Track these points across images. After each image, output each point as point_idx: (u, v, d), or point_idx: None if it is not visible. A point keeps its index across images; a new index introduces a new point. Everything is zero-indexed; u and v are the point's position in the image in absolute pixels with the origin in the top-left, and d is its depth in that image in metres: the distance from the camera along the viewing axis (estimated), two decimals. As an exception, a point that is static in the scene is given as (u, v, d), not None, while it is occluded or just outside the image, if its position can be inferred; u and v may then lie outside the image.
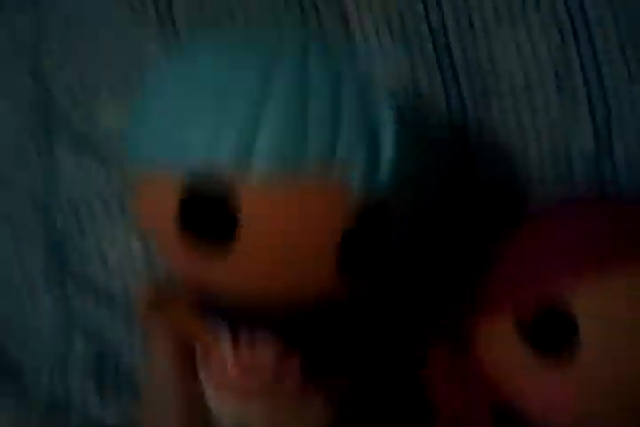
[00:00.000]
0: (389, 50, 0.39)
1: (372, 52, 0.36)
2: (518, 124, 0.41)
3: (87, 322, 0.41)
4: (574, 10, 0.40)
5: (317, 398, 0.31)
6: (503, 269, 0.33)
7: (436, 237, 0.39)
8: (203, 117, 0.26)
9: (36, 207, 0.41)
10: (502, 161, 0.41)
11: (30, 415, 0.39)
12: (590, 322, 0.30)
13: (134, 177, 0.28)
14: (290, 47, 0.27)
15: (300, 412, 0.30)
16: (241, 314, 0.29)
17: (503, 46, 0.40)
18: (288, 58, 0.26)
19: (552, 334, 0.31)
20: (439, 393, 0.34)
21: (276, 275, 0.26)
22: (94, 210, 0.41)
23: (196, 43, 0.30)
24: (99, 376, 0.40)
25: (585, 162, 0.40)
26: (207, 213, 0.25)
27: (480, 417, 0.33)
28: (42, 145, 0.41)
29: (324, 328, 0.30)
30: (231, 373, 0.29)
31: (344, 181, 0.25)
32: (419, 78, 0.40)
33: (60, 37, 0.40)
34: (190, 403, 0.30)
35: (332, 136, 0.25)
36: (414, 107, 0.39)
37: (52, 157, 0.41)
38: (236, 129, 0.25)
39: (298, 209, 0.25)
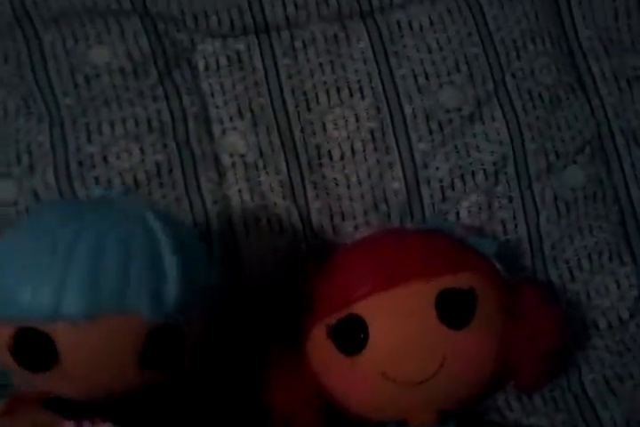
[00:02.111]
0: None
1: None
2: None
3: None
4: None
5: None
6: (316, 290, 0.43)
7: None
8: (18, 283, 0.35)
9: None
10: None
11: None
12: (376, 325, 0.40)
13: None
14: (88, 220, 0.36)
15: None
16: (79, 406, 0.38)
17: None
18: (87, 234, 0.36)
19: (349, 334, 0.40)
20: (275, 396, 0.42)
21: (92, 383, 0.37)
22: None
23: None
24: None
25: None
26: (32, 351, 0.35)
27: (310, 415, 0.41)
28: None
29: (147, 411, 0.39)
30: None
31: (135, 317, 0.35)
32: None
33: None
34: None
35: (121, 291, 0.35)
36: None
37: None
38: (46, 293, 0.34)
39: (100, 342, 0.35)
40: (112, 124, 0.49)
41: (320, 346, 0.42)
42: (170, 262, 0.36)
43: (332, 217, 0.51)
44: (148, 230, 0.37)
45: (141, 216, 0.37)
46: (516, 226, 0.51)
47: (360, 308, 0.41)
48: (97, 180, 0.48)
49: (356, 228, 0.51)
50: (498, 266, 0.45)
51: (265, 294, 0.49)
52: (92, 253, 0.35)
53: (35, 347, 0.35)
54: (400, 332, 0.40)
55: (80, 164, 0.48)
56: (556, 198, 0.52)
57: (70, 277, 0.34)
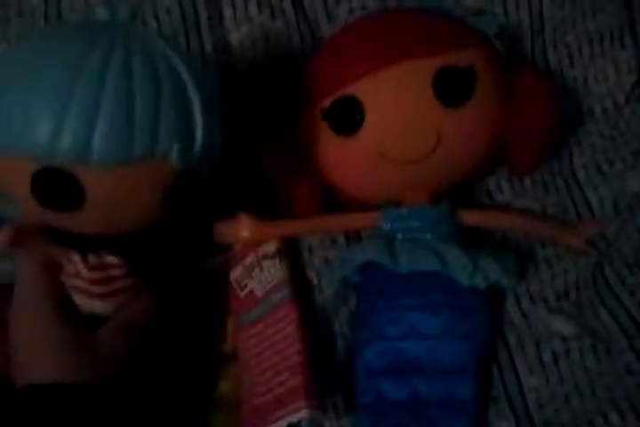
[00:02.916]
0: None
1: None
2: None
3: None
4: None
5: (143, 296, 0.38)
6: (310, 74, 0.42)
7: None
8: (44, 115, 0.31)
9: None
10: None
11: None
12: (372, 105, 0.39)
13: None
14: (116, 50, 0.33)
15: (130, 307, 0.38)
16: (85, 239, 0.37)
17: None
18: (115, 61, 0.32)
19: (344, 115, 0.40)
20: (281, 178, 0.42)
21: (110, 223, 0.36)
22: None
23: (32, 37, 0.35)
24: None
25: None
26: (56, 191, 0.33)
27: (310, 195, 0.42)
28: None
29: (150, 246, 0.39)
30: (84, 281, 0.37)
31: (165, 162, 0.34)
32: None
33: None
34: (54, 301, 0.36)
35: (153, 132, 0.32)
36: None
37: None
38: (74, 128, 0.31)
39: (128, 186, 0.34)
40: None
41: (316, 130, 0.41)
42: (196, 104, 0.34)
43: (325, 1, 0.47)
44: (171, 66, 0.34)
45: (158, 48, 0.34)
46: (517, 7, 0.48)
47: (355, 88, 0.39)
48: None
49: (350, 11, 0.48)
50: (498, 46, 0.42)
51: (257, 84, 0.47)
52: (123, 86, 0.32)
53: (60, 188, 0.33)
54: (396, 110, 0.39)
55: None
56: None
57: (101, 114, 0.31)
